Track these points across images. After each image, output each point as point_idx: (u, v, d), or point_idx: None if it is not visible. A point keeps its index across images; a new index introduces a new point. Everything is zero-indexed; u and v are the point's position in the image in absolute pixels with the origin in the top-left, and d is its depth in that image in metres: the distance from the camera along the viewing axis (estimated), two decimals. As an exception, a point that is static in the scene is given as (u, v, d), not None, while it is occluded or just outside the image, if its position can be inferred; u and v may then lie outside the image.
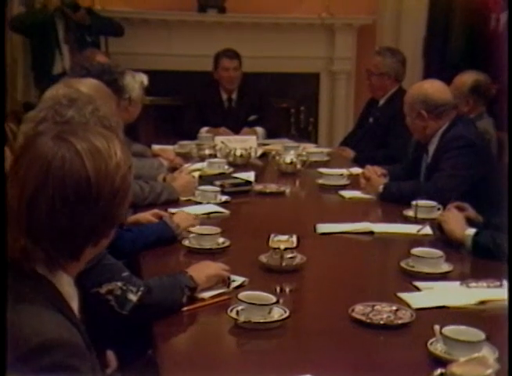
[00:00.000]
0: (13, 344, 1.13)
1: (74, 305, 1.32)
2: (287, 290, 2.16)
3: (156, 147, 4.34)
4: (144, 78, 3.30)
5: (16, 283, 1.22)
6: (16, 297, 1.20)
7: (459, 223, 2.53)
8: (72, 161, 1.23)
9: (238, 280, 2.11)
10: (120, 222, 1.34)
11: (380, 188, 3.22)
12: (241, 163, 3.89)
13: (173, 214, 2.65)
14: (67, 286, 1.30)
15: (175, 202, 3.04)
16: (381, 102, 4.51)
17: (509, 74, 3.00)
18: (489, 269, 2.27)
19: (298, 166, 3.75)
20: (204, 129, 4.75)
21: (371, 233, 2.69)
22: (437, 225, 2.62)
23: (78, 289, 1.35)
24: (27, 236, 1.22)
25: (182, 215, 2.63)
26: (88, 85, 2.26)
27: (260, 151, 4.18)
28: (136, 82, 3.18)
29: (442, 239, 2.56)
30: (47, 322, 1.17)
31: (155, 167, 3.42)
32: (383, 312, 1.89)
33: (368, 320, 1.84)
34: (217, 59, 4.95)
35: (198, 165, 3.77)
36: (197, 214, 2.80)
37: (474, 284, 2.11)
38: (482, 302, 2.00)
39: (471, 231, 2.46)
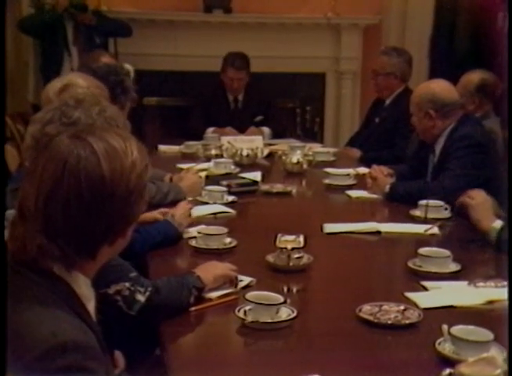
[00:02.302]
0: (30, 344, 1.14)
1: (91, 306, 1.32)
2: (294, 290, 2.16)
3: (162, 148, 4.35)
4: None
5: (34, 284, 1.23)
6: (34, 298, 1.20)
7: (487, 213, 2.53)
8: (88, 159, 1.24)
9: (245, 280, 2.11)
10: (136, 220, 1.34)
11: (387, 188, 3.21)
12: (247, 163, 3.89)
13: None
14: (84, 287, 1.30)
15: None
16: (387, 102, 4.50)
17: (509, 73, 2.99)
18: (497, 269, 2.27)
19: (305, 166, 3.74)
20: (210, 129, 4.75)
21: (378, 232, 2.69)
22: (459, 205, 2.62)
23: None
24: (43, 234, 1.23)
25: (181, 210, 2.62)
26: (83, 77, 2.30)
27: (266, 151, 4.18)
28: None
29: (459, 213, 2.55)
30: (64, 324, 1.17)
31: (161, 167, 3.42)
32: (390, 312, 1.89)
33: (375, 320, 1.84)
34: (225, 63, 4.92)
35: (204, 165, 3.77)
36: (204, 214, 2.81)
37: (481, 284, 2.11)
38: (490, 302, 2.00)
39: (498, 224, 2.46)
